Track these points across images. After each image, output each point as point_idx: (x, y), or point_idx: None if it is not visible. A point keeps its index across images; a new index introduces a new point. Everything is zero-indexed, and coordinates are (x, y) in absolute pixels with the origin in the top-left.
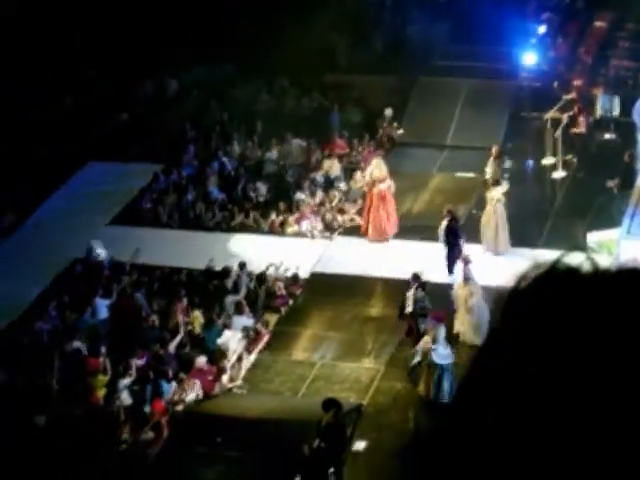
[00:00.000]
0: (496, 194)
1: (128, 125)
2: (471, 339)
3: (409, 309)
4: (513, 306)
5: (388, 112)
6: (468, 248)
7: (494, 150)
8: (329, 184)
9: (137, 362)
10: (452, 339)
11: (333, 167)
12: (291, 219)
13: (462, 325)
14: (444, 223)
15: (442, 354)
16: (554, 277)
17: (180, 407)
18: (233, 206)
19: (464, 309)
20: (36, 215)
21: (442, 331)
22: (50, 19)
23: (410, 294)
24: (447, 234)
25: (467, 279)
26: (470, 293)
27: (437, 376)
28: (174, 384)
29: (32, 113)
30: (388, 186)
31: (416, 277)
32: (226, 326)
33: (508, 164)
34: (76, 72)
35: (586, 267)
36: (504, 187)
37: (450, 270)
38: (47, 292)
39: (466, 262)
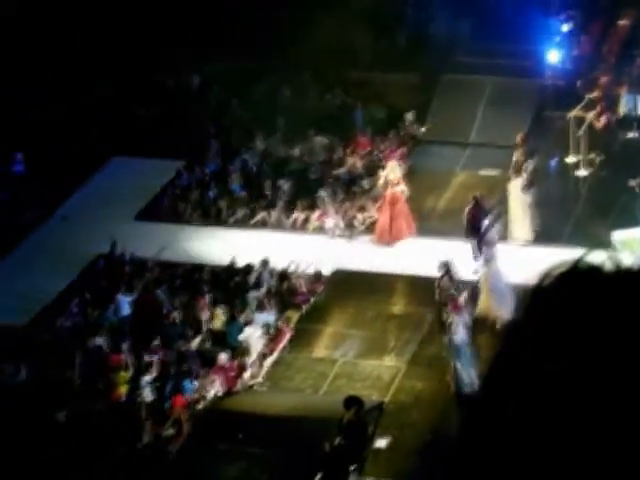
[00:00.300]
0: (517, 183)
1: (151, 121)
2: (493, 320)
3: (436, 297)
4: (536, 303)
5: (409, 116)
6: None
7: (519, 137)
8: (351, 182)
9: (151, 357)
10: (473, 325)
11: (356, 164)
12: (313, 216)
13: (484, 306)
14: (467, 209)
15: (459, 341)
16: (577, 275)
17: (201, 404)
18: (255, 203)
19: (485, 291)
20: (61, 211)
21: (459, 320)
22: (67, 15)
23: (437, 283)
24: (469, 220)
25: (487, 261)
26: (489, 275)
27: (454, 365)
28: (196, 382)
29: (56, 108)
30: (401, 190)
31: (444, 265)
32: (248, 323)
33: (531, 164)
34: (100, 68)
35: (608, 266)
36: (529, 168)
37: (475, 255)
38: (70, 288)
39: (487, 245)
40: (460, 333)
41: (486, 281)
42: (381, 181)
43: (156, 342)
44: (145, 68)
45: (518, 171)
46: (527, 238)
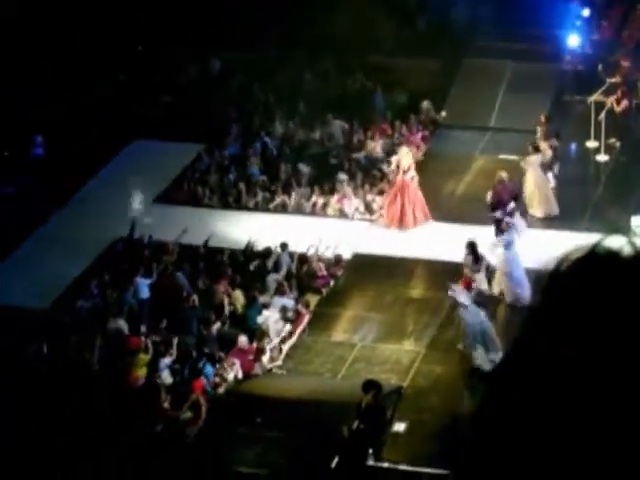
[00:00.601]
0: (535, 159)
1: (172, 105)
2: (510, 301)
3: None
4: (553, 288)
5: (425, 104)
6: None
7: (542, 117)
8: (371, 165)
9: (169, 340)
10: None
11: (376, 149)
12: (333, 200)
13: (500, 286)
14: (490, 192)
15: (471, 313)
16: (594, 260)
17: (220, 387)
18: (274, 187)
19: (501, 272)
20: (81, 194)
21: (463, 296)
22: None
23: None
24: (493, 197)
25: (508, 245)
26: (507, 260)
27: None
28: (215, 365)
29: (79, 91)
30: (411, 177)
31: (469, 245)
32: (266, 306)
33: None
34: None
35: (627, 251)
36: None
37: (496, 234)
38: (90, 270)
39: (509, 228)
40: (467, 312)
41: (503, 264)
42: (392, 166)
43: (174, 325)
44: (166, 54)
45: (537, 149)
46: (541, 216)
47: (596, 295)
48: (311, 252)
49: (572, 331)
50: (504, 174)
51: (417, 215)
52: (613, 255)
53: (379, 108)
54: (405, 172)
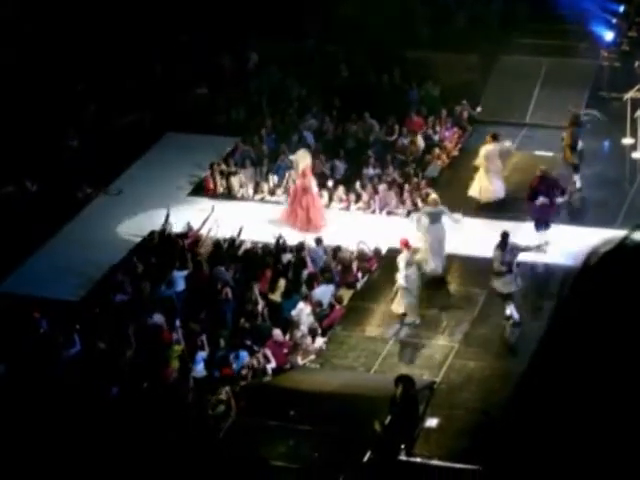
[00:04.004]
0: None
1: (208, 97)
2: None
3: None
4: (583, 280)
5: (459, 108)
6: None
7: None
8: (405, 161)
9: (202, 334)
10: None
11: (410, 144)
12: (365, 195)
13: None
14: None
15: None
16: (623, 253)
17: (253, 379)
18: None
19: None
20: (115, 185)
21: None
22: None
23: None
24: (530, 191)
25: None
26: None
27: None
28: (249, 357)
29: (118, 82)
30: (308, 181)
31: (502, 236)
32: (300, 299)
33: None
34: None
35: None
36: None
37: (537, 227)
38: (124, 262)
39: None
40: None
41: None
42: (299, 169)
43: (208, 318)
44: (203, 47)
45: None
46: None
47: (625, 287)
48: (345, 246)
49: (601, 323)
50: (544, 168)
51: (320, 219)
52: None
53: (414, 104)
54: (303, 176)
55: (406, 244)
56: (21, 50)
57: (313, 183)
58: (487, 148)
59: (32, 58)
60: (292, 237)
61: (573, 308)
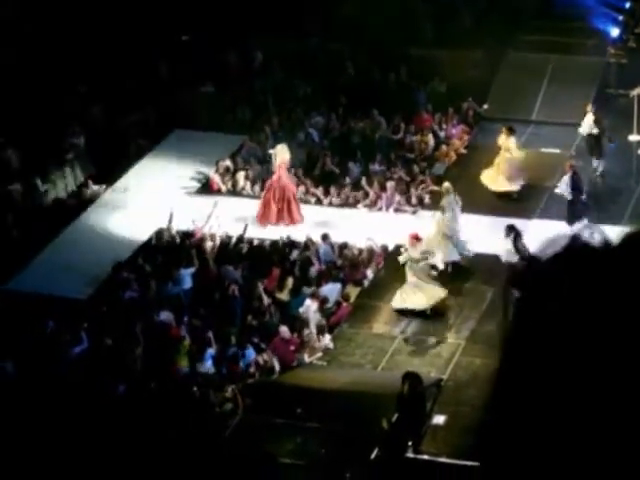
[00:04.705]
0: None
1: (214, 95)
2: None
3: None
4: (534, 283)
5: (466, 104)
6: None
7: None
8: (413, 158)
9: (209, 330)
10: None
11: (417, 141)
12: (372, 193)
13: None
14: (566, 178)
15: None
16: (572, 254)
17: (260, 377)
18: (315, 179)
19: None
20: (121, 182)
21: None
22: None
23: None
24: (572, 188)
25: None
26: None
27: None
28: (256, 354)
29: (124, 80)
30: (285, 174)
31: (511, 228)
32: (307, 296)
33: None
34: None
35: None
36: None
37: (570, 222)
38: (131, 260)
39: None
40: None
41: None
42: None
43: (215, 315)
44: (209, 45)
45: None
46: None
47: (574, 288)
48: (352, 244)
49: (554, 320)
50: (571, 162)
51: (292, 210)
52: (587, 246)
53: (421, 101)
54: (279, 170)
55: (416, 237)
56: (21, 50)
57: (289, 177)
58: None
59: (32, 58)
60: (299, 234)
61: (529, 306)
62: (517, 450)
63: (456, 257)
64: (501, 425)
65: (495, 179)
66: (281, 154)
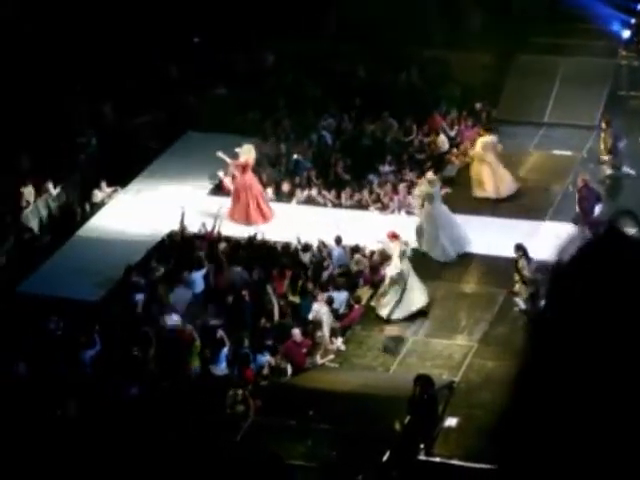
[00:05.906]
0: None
1: (226, 97)
2: None
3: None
4: (559, 278)
5: (479, 105)
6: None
7: (604, 122)
8: (424, 160)
9: (220, 332)
10: None
11: (429, 143)
12: (383, 194)
13: None
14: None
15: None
16: (595, 249)
17: (272, 379)
18: (326, 181)
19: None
20: (134, 185)
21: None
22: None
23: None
24: (582, 204)
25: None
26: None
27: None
28: (268, 357)
29: (135, 82)
30: (250, 176)
31: (519, 247)
32: (319, 299)
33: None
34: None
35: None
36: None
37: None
38: (143, 262)
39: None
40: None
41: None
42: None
43: (227, 318)
44: (220, 47)
45: (610, 152)
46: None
47: (602, 283)
48: (365, 246)
49: (582, 321)
50: (586, 176)
51: (264, 209)
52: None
53: (432, 103)
54: (244, 169)
55: (394, 235)
56: (21, 50)
57: (253, 178)
58: (484, 140)
59: (32, 58)
60: (311, 237)
61: (553, 306)
62: (537, 454)
63: (453, 253)
64: (521, 429)
65: (487, 187)
66: (246, 154)
